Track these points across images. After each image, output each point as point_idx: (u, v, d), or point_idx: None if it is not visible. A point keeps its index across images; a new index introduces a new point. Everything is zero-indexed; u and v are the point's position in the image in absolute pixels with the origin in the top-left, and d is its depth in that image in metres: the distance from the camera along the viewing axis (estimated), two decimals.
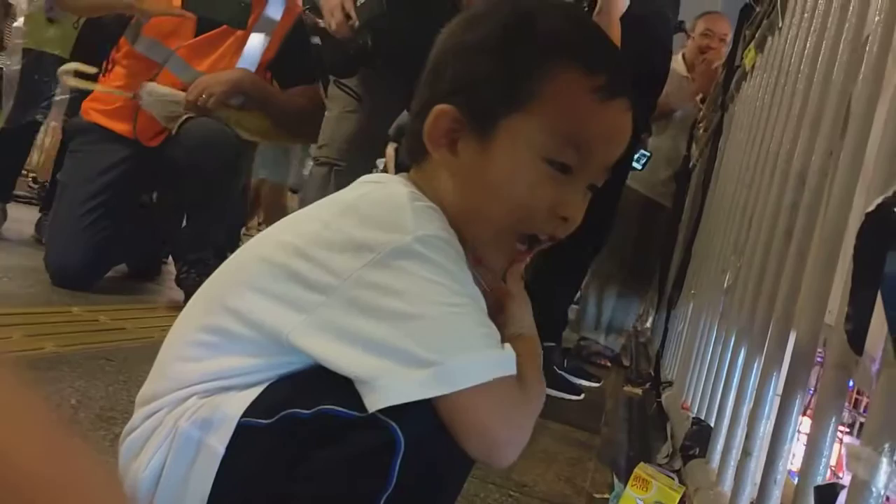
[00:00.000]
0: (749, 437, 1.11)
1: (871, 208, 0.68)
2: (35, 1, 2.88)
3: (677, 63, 3.62)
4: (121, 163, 2.38)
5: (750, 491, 1.08)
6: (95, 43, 2.52)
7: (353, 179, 0.82)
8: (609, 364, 3.49)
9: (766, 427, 1.09)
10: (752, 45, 2.13)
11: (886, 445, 0.64)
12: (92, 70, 2.44)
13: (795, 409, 0.98)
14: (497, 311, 0.81)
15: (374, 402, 0.64)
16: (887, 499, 0.64)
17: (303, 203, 2.33)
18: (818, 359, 1.12)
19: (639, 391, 2.94)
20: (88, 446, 0.34)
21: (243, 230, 3.41)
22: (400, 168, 0.83)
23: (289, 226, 0.79)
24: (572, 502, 1.44)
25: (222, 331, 0.72)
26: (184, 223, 2.57)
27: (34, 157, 3.59)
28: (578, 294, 4.90)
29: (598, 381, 2.82)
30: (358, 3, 1.96)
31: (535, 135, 0.73)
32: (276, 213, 4.10)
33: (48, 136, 3.68)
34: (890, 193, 0.67)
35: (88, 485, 0.32)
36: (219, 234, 2.44)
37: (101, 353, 1.65)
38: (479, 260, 0.80)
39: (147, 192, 2.62)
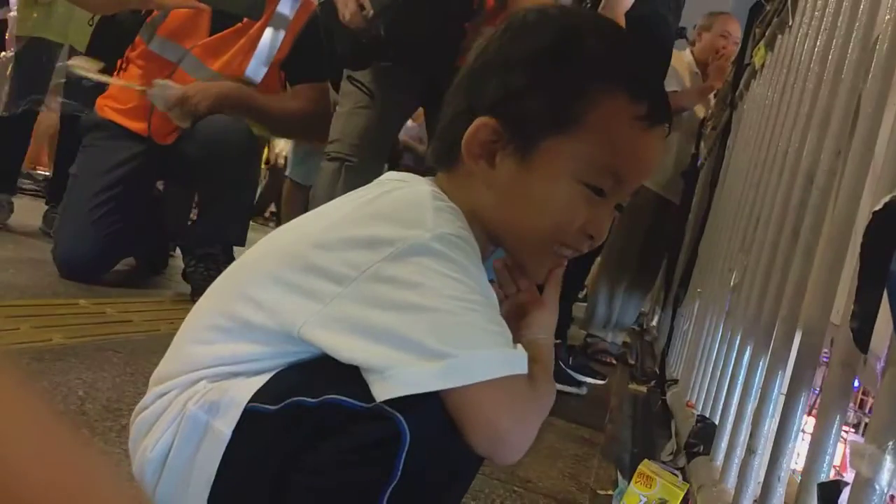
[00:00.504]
0: (753, 435, 1.11)
1: (878, 207, 0.68)
2: None
3: (687, 59, 3.61)
4: (134, 158, 2.39)
5: (753, 488, 1.08)
6: (110, 41, 2.52)
7: (364, 175, 0.82)
8: (615, 362, 3.49)
9: (770, 425, 1.09)
10: (762, 42, 2.13)
11: (890, 443, 0.64)
12: (98, 65, 2.45)
13: (800, 407, 0.98)
14: (517, 316, 0.83)
15: (384, 391, 0.64)
16: (892, 497, 0.64)
17: (313, 198, 2.33)
18: (823, 358, 1.12)
19: (644, 389, 2.95)
20: (94, 448, 0.34)
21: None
22: (419, 170, 0.83)
23: (311, 219, 0.80)
24: (576, 499, 1.45)
25: (237, 317, 0.73)
26: (192, 217, 2.58)
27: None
28: (584, 292, 4.92)
29: (604, 379, 2.83)
30: None
31: (576, 159, 0.75)
32: (296, 211, 4.12)
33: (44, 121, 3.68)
34: None
35: (96, 491, 0.32)
36: (231, 230, 2.45)
37: (108, 344, 1.65)
38: (517, 266, 0.83)
39: (159, 186, 2.64)
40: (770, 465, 0.98)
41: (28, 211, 3.08)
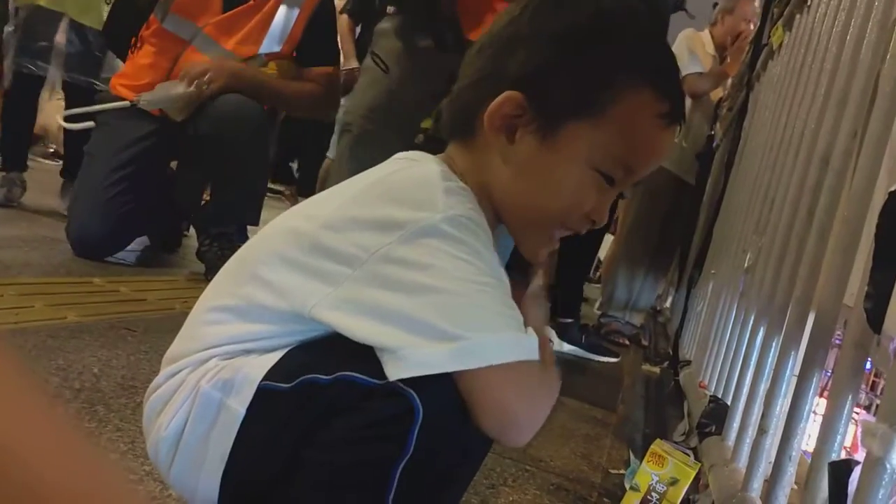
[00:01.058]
0: (765, 415, 1.11)
1: (894, 187, 0.68)
2: None
3: (706, 39, 3.57)
4: (148, 136, 2.40)
5: (765, 468, 1.08)
6: (126, 20, 2.53)
7: (374, 147, 0.83)
8: (628, 343, 3.50)
9: (782, 406, 1.09)
10: (779, 23, 2.11)
11: None
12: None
13: (812, 387, 0.98)
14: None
15: (397, 371, 0.65)
16: None
17: (326, 171, 2.36)
18: (836, 340, 1.12)
19: (657, 370, 2.95)
20: (97, 447, 0.34)
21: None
22: (430, 139, 0.83)
23: (322, 200, 0.80)
24: (588, 477, 1.46)
25: (247, 297, 0.73)
26: (205, 196, 2.59)
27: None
28: (599, 273, 4.90)
29: (617, 357, 2.85)
30: None
31: (595, 147, 0.76)
32: None
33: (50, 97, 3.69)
34: None
35: (103, 490, 0.32)
36: (245, 209, 2.46)
37: (122, 323, 1.67)
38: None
39: (172, 166, 2.65)
40: (781, 445, 0.99)
41: (41, 189, 3.10)
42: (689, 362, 2.40)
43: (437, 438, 0.66)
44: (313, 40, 2.50)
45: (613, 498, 1.36)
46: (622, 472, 1.51)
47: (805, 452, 1.10)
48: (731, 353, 1.67)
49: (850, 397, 0.81)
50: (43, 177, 3.33)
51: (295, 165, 6.26)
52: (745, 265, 1.69)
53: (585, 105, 0.75)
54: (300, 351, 0.71)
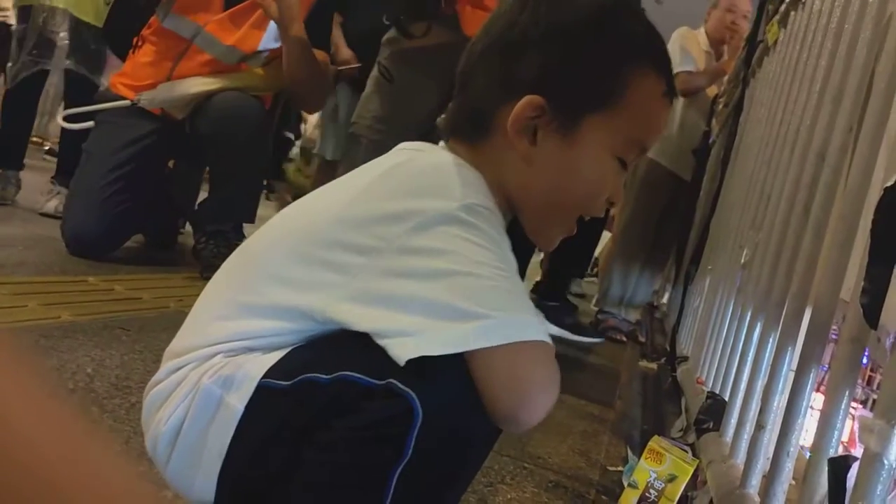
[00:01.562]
0: (763, 410, 1.12)
1: (890, 183, 0.68)
2: None
3: (701, 39, 3.58)
4: (147, 136, 2.39)
5: (763, 464, 1.09)
6: (126, 20, 2.53)
7: (382, 154, 0.82)
8: (625, 339, 3.51)
9: (779, 401, 1.09)
10: (775, 19, 2.11)
11: None
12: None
13: (809, 383, 0.98)
14: None
15: (415, 349, 0.64)
16: None
17: (338, 175, 2.39)
18: (833, 336, 1.12)
19: (654, 366, 2.96)
20: (100, 435, 0.34)
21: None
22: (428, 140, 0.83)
23: (331, 192, 0.80)
24: (586, 475, 1.46)
25: (259, 293, 0.73)
26: (201, 193, 2.59)
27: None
28: (596, 268, 4.91)
29: (601, 337, 2.93)
30: None
31: (615, 135, 0.78)
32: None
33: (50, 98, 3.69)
34: None
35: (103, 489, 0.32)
36: (242, 206, 2.46)
37: (116, 322, 1.67)
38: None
39: (170, 164, 2.65)
40: (779, 441, 0.99)
41: (36, 187, 3.08)
42: (686, 358, 2.40)
43: (437, 440, 0.66)
44: (314, 28, 2.49)
45: (611, 495, 1.36)
46: (620, 468, 1.51)
47: (803, 448, 1.10)
48: (729, 349, 1.67)
49: (847, 393, 0.81)
50: (38, 176, 3.32)
51: None
52: (742, 261, 1.69)
53: (601, 97, 0.77)
54: (302, 350, 0.71)
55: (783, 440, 0.98)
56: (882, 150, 0.94)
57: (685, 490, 1.21)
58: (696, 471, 1.24)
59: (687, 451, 1.27)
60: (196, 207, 2.58)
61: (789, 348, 1.11)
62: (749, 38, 2.66)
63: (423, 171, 0.75)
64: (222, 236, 2.39)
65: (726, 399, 1.50)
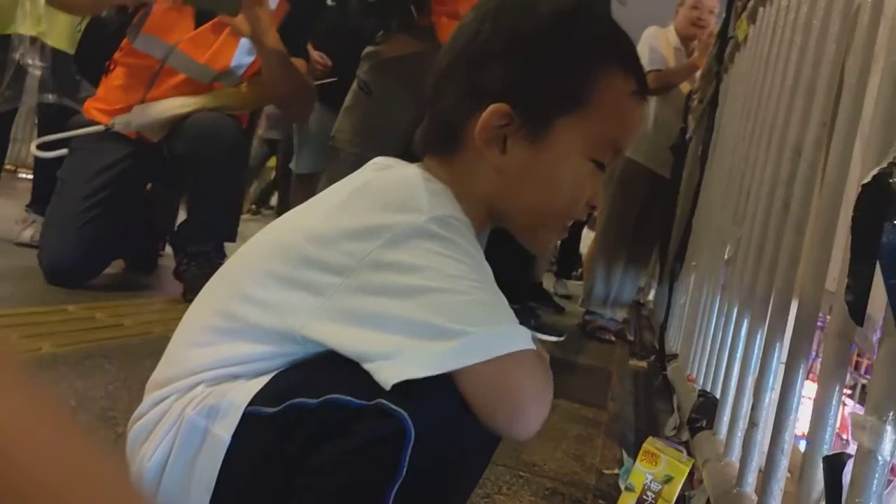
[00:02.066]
0: (755, 407, 1.12)
1: (867, 179, 0.69)
2: None
3: (671, 38, 3.61)
4: (123, 160, 2.37)
5: (758, 461, 1.09)
6: (97, 46, 2.51)
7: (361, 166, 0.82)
8: (614, 339, 3.52)
9: (771, 397, 1.10)
10: (744, 15, 2.13)
11: (891, 413, 0.65)
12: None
13: (800, 378, 0.99)
14: None
15: (397, 373, 0.64)
16: (893, 467, 0.65)
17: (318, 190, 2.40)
18: (820, 323, 1.13)
19: (644, 364, 2.97)
20: (97, 444, 0.34)
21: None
22: (405, 158, 0.83)
23: (303, 211, 0.80)
24: (582, 480, 1.46)
25: (236, 317, 0.72)
26: (179, 215, 2.57)
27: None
28: (580, 269, 4.92)
29: (561, 335, 2.96)
30: None
31: (585, 137, 0.78)
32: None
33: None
34: (885, 164, 0.67)
35: (96, 490, 0.32)
36: (223, 226, 2.44)
37: (99, 351, 1.64)
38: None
39: (148, 187, 2.62)
40: (773, 438, 0.99)
41: (11, 216, 3.03)
42: (675, 356, 2.41)
43: (431, 457, 0.65)
44: (288, 37, 2.48)
45: (608, 499, 1.36)
46: (616, 471, 1.51)
47: (797, 437, 1.11)
48: (717, 346, 1.67)
49: (837, 388, 0.81)
50: (13, 205, 3.28)
51: None
52: (726, 257, 1.70)
53: (567, 100, 0.77)
54: (287, 374, 0.70)
55: (777, 437, 0.98)
56: (857, 143, 0.95)
57: (682, 490, 1.22)
58: (692, 470, 1.24)
59: (682, 451, 1.27)
60: (176, 229, 2.56)
61: (777, 344, 1.11)
62: (720, 34, 2.68)
63: (390, 186, 0.75)
64: (204, 257, 2.38)
65: (718, 396, 1.50)
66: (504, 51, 0.77)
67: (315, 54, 3.18)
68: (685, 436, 1.59)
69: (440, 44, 1.95)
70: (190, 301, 0.80)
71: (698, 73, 3.49)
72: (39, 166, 3.06)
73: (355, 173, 0.81)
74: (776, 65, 1.52)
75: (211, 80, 2.41)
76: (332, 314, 0.68)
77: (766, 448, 1.04)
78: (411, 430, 0.64)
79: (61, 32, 2.96)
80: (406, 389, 0.64)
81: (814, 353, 1.30)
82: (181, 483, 0.70)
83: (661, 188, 3.51)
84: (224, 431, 0.69)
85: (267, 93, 2.46)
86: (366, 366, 0.65)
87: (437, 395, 0.65)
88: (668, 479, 1.21)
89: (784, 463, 0.96)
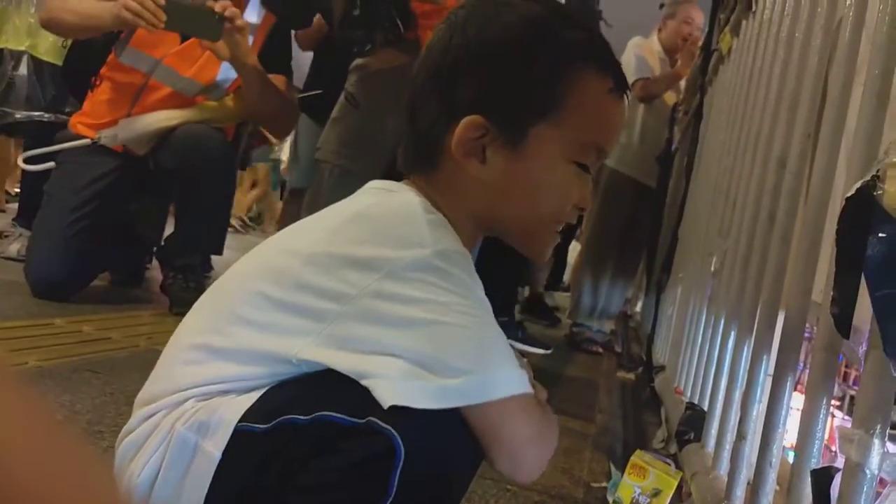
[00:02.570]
0: (742, 420, 1.12)
1: (850, 193, 0.69)
2: None
3: (656, 47, 3.64)
4: (109, 173, 2.36)
5: (746, 473, 1.09)
6: (83, 60, 2.50)
7: (354, 180, 0.82)
8: (601, 351, 3.52)
9: (759, 409, 1.10)
10: (727, 28, 2.14)
11: (878, 427, 0.65)
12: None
13: (787, 390, 0.99)
14: None
15: (399, 397, 0.64)
16: (880, 480, 0.65)
17: (306, 205, 2.38)
18: (807, 334, 1.13)
19: (631, 376, 2.96)
20: (87, 451, 0.33)
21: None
22: (391, 176, 0.83)
23: (298, 232, 0.80)
24: (570, 493, 1.45)
25: (229, 337, 0.72)
26: (167, 228, 2.56)
27: None
28: (566, 281, 4.92)
29: (548, 349, 3.01)
30: None
31: (565, 141, 0.77)
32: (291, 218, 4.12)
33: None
34: (868, 177, 0.68)
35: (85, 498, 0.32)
36: (209, 239, 2.44)
37: (86, 364, 1.63)
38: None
39: (135, 200, 2.61)
40: (761, 451, 0.99)
41: None
42: (663, 368, 2.41)
43: (421, 475, 0.65)
44: (271, 54, 2.49)
45: None
46: (604, 484, 1.50)
47: (786, 448, 1.10)
48: (705, 358, 1.67)
49: (825, 401, 0.81)
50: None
51: None
52: (712, 269, 1.70)
53: (541, 106, 0.77)
54: (278, 391, 0.70)
55: (765, 450, 0.98)
56: (841, 154, 0.95)
57: (670, 503, 1.21)
58: (680, 483, 1.23)
59: (670, 464, 1.27)
60: (163, 242, 2.55)
61: (764, 356, 1.11)
62: (703, 47, 2.70)
63: (391, 215, 0.75)
64: (191, 270, 2.38)
65: (705, 409, 1.50)
66: (473, 62, 0.77)
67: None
68: (673, 448, 1.59)
69: None
70: (177, 314, 0.80)
71: (683, 85, 3.52)
72: (26, 181, 3.04)
73: (353, 196, 0.80)
74: (760, 77, 1.53)
75: (196, 93, 2.41)
76: (332, 341, 0.68)
77: (754, 461, 1.04)
78: (401, 449, 0.64)
79: (49, 47, 2.96)
80: (396, 408, 0.64)
81: (801, 364, 1.30)
82: (171, 500, 0.70)
83: (646, 198, 3.53)
84: (214, 448, 0.68)
85: (245, 106, 2.47)
86: (365, 381, 0.65)
87: (426, 414, 0.65)
88: (656, 493, 1.20)
89: (772, 476, 0.96)
